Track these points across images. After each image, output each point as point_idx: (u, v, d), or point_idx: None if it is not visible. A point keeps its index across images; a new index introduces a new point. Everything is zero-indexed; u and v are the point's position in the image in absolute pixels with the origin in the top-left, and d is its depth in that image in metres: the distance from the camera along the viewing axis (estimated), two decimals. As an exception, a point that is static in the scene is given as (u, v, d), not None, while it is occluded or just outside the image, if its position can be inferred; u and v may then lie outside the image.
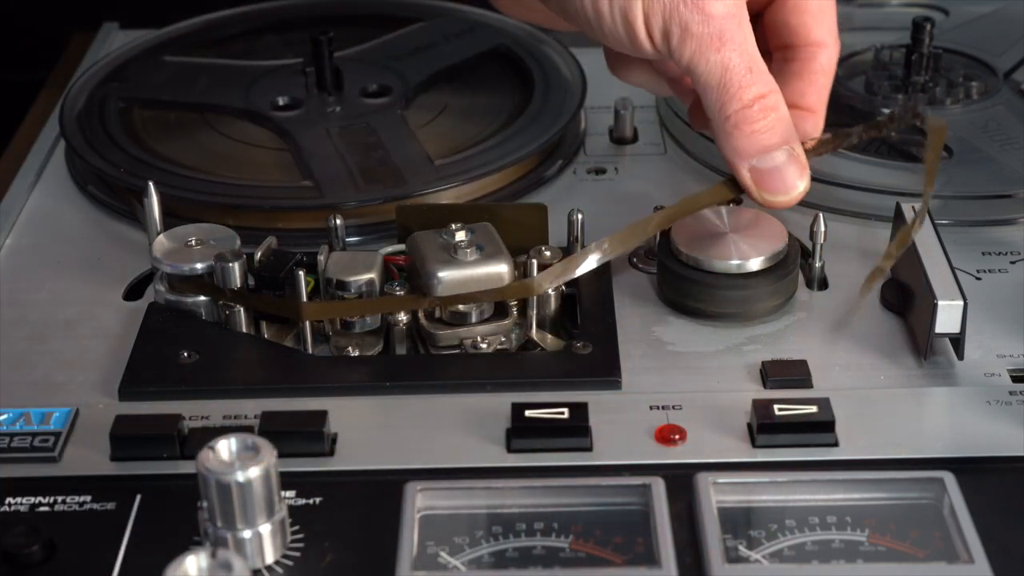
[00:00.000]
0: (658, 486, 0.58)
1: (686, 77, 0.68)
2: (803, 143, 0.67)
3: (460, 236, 0.68)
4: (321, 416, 0.62)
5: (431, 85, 0.89)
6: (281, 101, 0.86)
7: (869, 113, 0.85)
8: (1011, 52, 0.90)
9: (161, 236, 0.70)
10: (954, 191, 0.77)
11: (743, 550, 0.56)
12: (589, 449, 0.61)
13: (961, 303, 0.64)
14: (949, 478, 0.58)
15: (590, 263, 0.67)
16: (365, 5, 0.99)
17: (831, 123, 0.76)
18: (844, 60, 0.91)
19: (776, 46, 0.71)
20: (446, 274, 0.67)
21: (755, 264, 0.68)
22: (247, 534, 0.54)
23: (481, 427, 0.62)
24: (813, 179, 0.77)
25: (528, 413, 0.61)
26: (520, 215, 0.72)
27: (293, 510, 0.58)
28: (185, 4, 1.01)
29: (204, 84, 0.88)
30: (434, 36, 0.94)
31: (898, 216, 0.70)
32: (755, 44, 0.65)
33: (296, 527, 0.57)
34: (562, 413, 0.61)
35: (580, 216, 0.72)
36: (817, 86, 0.70)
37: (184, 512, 0.57)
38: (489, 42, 0.93)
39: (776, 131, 0.66)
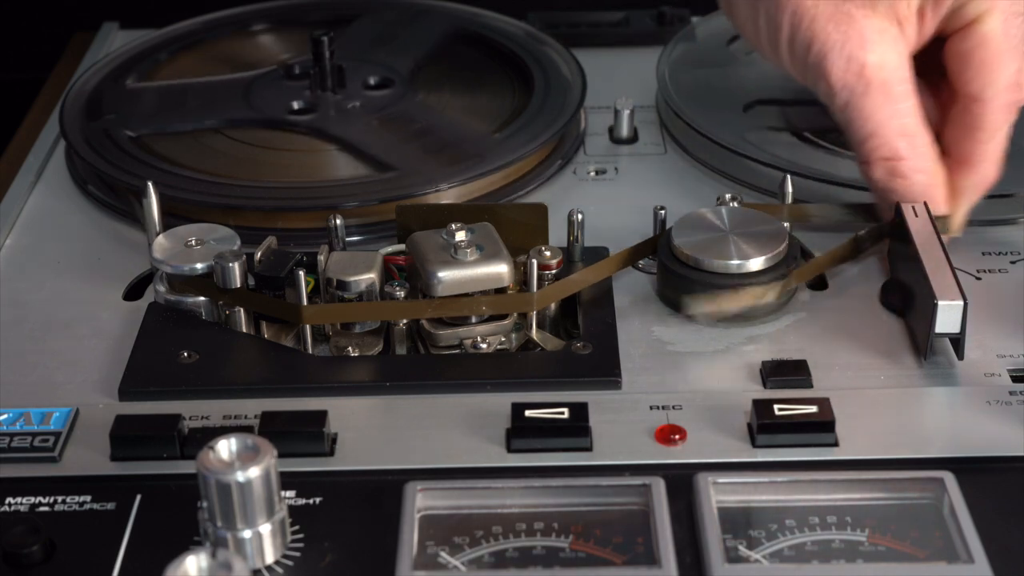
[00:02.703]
0: (658, 486, 0.58)
1: None
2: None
3: (460, 236, 0.68)
4: (321, 416, 0.62)
5: (420, 71, 0.91)
6: (296, 105, 0.86)
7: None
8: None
9: (161, 236, 0.70)
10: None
11: (743, 550, 0.56)
12: (589, 449, 0.61)
13: (961, 303, 0.64)
14: (949, 478, 0.58)
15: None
16: (304, 8, 1.00)
17: (832, 123, 0.77)
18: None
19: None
20: (446, 274, 0.67)
21: (755, 264, 0.68)
22: (247, 534, 0.54)
23: (481, 427, 0.62)
24: (813, 179, 0.77)
25: (528, 413, 0.61)
26: (520, 215, 0.72)
27: (293, 510, 0.58)
28: (185, 4, 1.01)
29: (197, 104, 0.88)
30: (384, 27, 0.95)
31: (899, 215, 0.70)
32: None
33: (296, 527, 0.57)
34: (562, 413, 0.61)
35: (580, 216, 0.72)
36: (973, 140, 0.69)
37: (184, 512, 0.57)
38: (448, 25, 0.95)
39: (904, 194, 0.68)
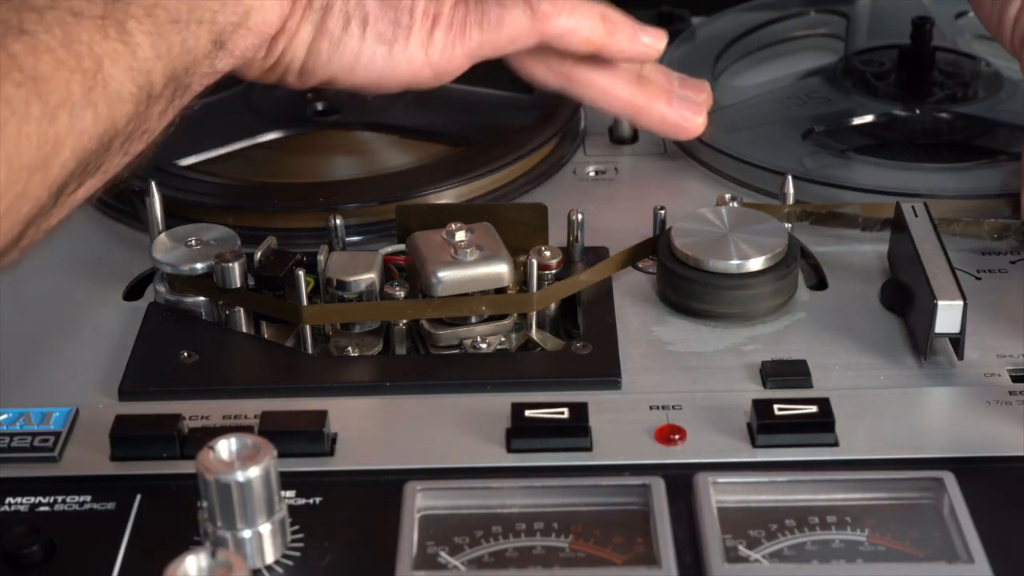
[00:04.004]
0: (658, 486, 0.58)
1: None
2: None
3: (460, 236, 0.68)
4: (321, 416, 0.62)
5: None
6: (320, 107, 0.86)
7: (867, 113, 0.85)
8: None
9: (161, 236, 0.70)
10: (954, 191, 0.76)
11: (743, 550, 0.56)
12: (589, 449, 0.61)
13: (961, 303, 0.64)
14: (949, 478, 0.58)
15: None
16: None
17: (832, 123, 0.77)
18: (844, 60, 0.91)
19: None
20: (446, 274, 0.67)
21: (755, 264, 0.68)
22: (247, 534, 0.54)
23: (481, 427, 0.62)
24: (813, 182, 0.77)
25: (528, 413, 0.61)
26: (520, 215, 0.72)
27: (293, 510, 0.58)
28: None
29: (219, 126, 0.86)
30: None
31: (898, 216, 0.70)
32: None
33: (296, 527, 0.57)
34: (562, 413, 0.61)
35: (580, 216, 0.72)
36: None
37: (184, 512, 0.57)
38: None
39: None
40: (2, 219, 0.53)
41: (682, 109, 0.80)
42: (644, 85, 0.79)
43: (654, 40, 0.77)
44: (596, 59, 0.77)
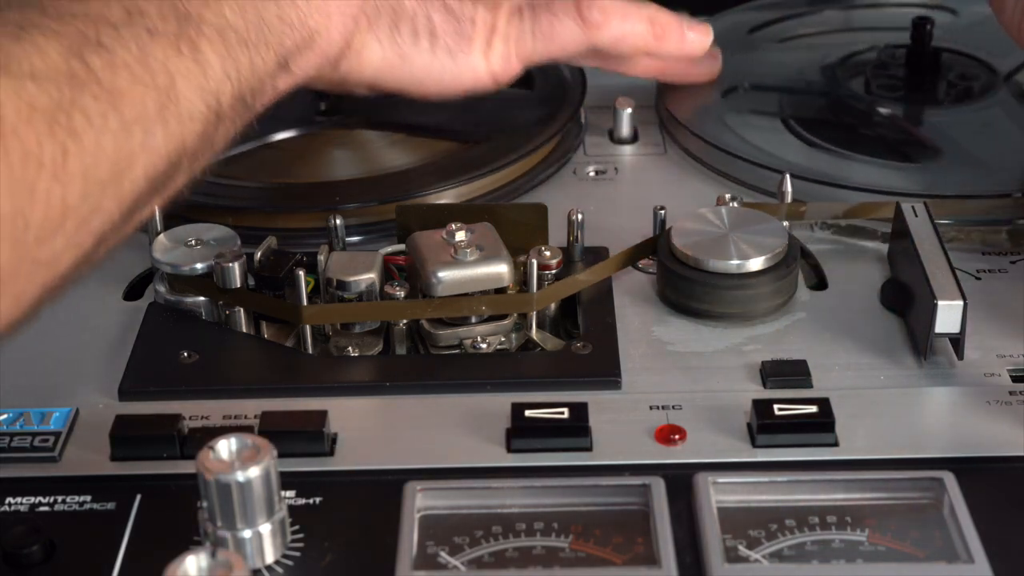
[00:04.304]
0: (658, 486, 0.58)
1: None
2: None
3: (460, 236, 0.68)
4: (321, 416, 0.62)
5: None
6: (323, 106, 0.86)
7: (867, 113, 0.85)
8: (1016, 53, 0.90)
9: (161, 236, 0.70)
10: (954, 191, 0.76)
11: (743, 550, 0.56)
12: (589, 449, 0.61)
13: (961, 303, 0.64)
14: (949, 478, 0.58)
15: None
16: None
17: (831, 123, 0.77)
18: (844, 60, 0.91)
19: None
20: (446, 274, 0.67)
21: (755, 264, 0.68)
22: (247, 534, 0.54)
23: (481, 427, 0.62)
24: (813, 182, 0.77)
25: (528, 413, 0.61)
26: (520, 215, 0.72)
27: (293, 510, 0.58)
28: None
29: None
30: None
31: (898, 217, 0.70)
32: None
33: (296, 527, 0.57)
34: (562, 413, 0.61)
35: (580, 216, 0.72)
36: None
37: (184, 512, 0.57)
38: None
39: None
40: (77, 232, 0.53)
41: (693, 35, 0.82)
42: (694, 26, 0.81)
43: (701, 36, 0.80)
44: None
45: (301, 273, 0.66)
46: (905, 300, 0.68)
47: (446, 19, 0.74)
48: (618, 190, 0.82)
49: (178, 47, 0.58)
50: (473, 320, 0.68)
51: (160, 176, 0.57)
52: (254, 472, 0.53)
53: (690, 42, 0.80)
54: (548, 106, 0.85)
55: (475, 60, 0.75)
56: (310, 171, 0.82)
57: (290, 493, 0.59)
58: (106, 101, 0.54)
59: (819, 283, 0.72)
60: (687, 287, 0.68)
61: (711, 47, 0.83)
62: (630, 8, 0.78)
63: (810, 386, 0.64)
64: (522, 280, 0.69)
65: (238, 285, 0.68)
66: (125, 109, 0.54)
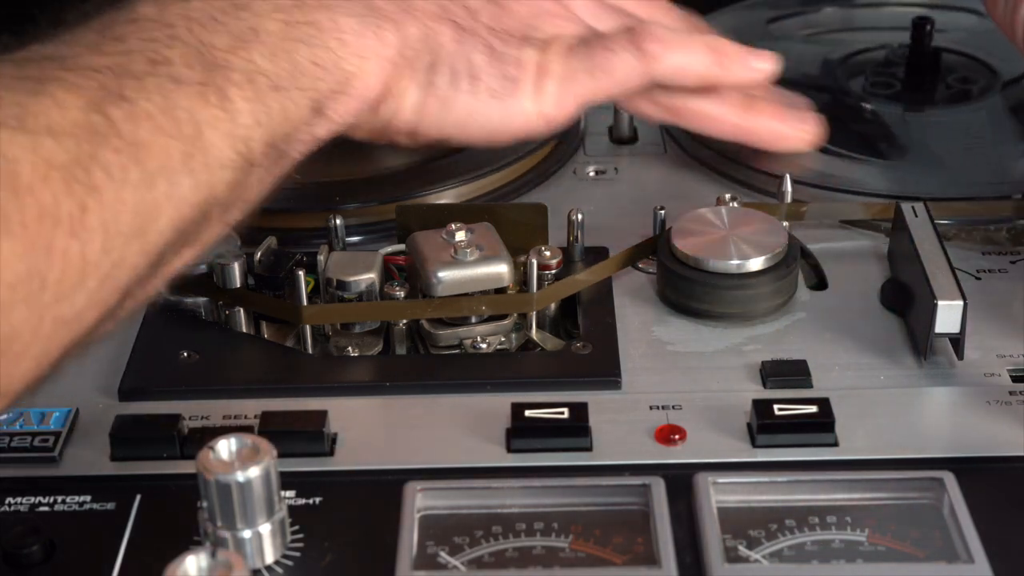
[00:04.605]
0: (658, 486, 0.58)
1: None
2: None
3: (460, 236, 0.68)
4: (321, 416, 0.62)
5: None
6: None
7: (867, 113, 0.85)
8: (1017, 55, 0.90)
9: (161, 236, 0.70)
10: (954, 191, 0.76)
11: (743, 550, 0.56)
12: (589, 449, 0.61)
13: (961, 303, 0.64)
14: (949, 478, 0.58)
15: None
16: None
17: (831, 123, 0.76)
18: (845, 60, 0.91)
19: None
20: (446, 274, 0.67)
21: (755, 264, 0.68)
22: (247, 534, 0.54)
23: (481, 427, 0.62)
24: (812, 184, 0.77)
25: (528, 413, 0.61)
26: (520, 215, 0.72)
27: (293, 510, 0.58)
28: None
29: None
30: None
31: (898, 216, 0.70)
32: None
33: (296, 527, 0.57)
34: (562, 413, 0.61)
35: (580, 216, 0.72)
36: None
37: (184, 512, 0.57)
38: None
39: None
40: (100, 287, 0.52)
41: (795, 122, 0.77)
42: (752, 105, 0.76)
43: (766, 64, 0.75)
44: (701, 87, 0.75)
45: (301, 273, 0.66)
46: (905, 300, 0.68)
47: (489, 61, 0.69)
48: (618, 190, 0.82)
49: (205, 95, 0.56)
50: (473, 320, 0.68)
51: (189, 226, 0.56)
52: (254, 472, 0.53)
53: (755, 70, 0.74)
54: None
55: (525, 104, 0.69)
56: (310, 171, 0.82)
57: (290, 493, 0.59)
58: (127, 153, 0.52)
59: (819, 283, 0.72)
60: (687, 287, 0.68)
61: (801, 102, 0.79)
62: (689, 37, 0.73)
63: (810, 386, 0.64)
64: (522, 280, 0.69)
65: (238, 285, 0.68)
66: (148, 161, 0.53)
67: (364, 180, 0.79)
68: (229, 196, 0.58)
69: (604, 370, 0.65)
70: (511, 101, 0.69)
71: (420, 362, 0.67)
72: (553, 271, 0.69)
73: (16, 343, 0.50)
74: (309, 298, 0.67)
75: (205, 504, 0.54)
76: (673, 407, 0.63)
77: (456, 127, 0.69)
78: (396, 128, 0.68)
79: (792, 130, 0.77)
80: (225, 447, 0.54)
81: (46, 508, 0.59)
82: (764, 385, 0.65)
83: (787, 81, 0.89)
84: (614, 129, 0.87)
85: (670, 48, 0.72)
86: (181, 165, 0.55)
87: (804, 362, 0.66)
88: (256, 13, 0.61)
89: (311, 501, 0.59)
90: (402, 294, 0.68)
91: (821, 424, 0.61)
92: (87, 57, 0.55)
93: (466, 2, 0.70)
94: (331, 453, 0.61)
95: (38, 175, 0.49)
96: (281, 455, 0.55)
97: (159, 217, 0.54)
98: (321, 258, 0.69)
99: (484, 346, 0.67)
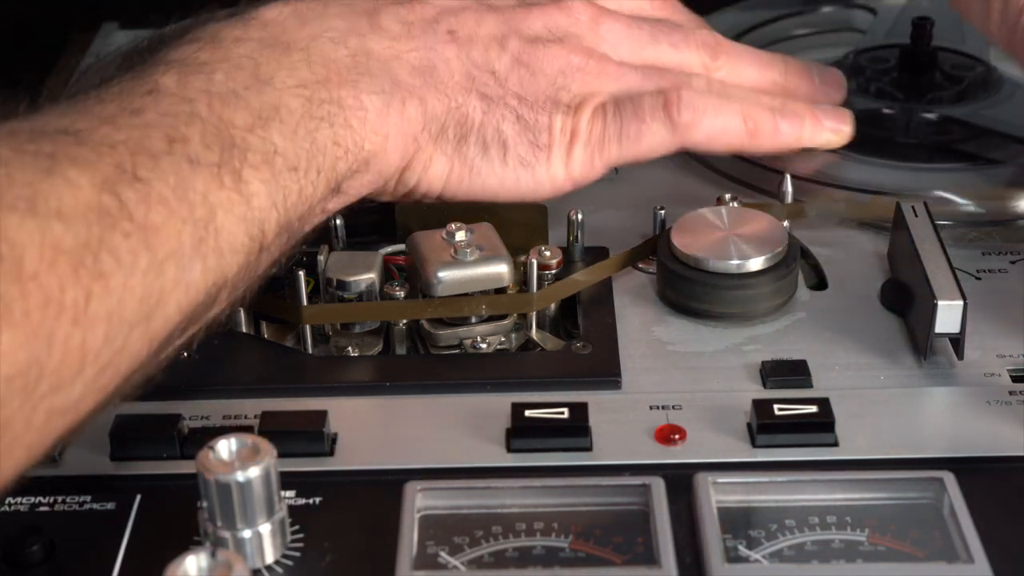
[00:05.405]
0: (658, 486, 0.58)
1: None
2: None
3: (460, 236, 0.68)
4: (321, 416, 0.62)
5: None
6: None
7: (867, 112, 0.85)
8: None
9: (161, 236, 0.70)
10: (954, 191, 0.76)
11: (743, 550, 0.56)
12: (589, 449, 0.61)
13: (961, 303, 0.64)
14: (949, 478, 0.58)
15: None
16: None
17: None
18: (845, 59, 0.91)
19: None
20: (446, 274, 0.67)
21: (755, 264, 0.68)
22: (247, 534, 0.54)
23: (481, 427, 0.62)
24: (812, 181, 0.77)
25: (528, 413, 0.61)
26: (520, 215, 0.72)
27: (293, 510, 0.58)
28: (185, 4, 1.01)
29: None
30: None
31: (898, 216, 0.70)
32: None
33: (296, 527, 0.57)
34: (562, 413, 0.61)
35: (580, 216, 0.72)
36: None
37: (184, 512, 0.57)
38: None
39: None
40: (99, 375, 0.50)
41: (828, 121, 0.76)
42: (788, 115, 0.75)
43: (839, 124, 0.75)
44: None
45: (301, 273, 0.66)
46: (905, 300, 0.68)
47: (518, 130, 0.69)
48: (618, 190, 0.82)
49: (220, 178, 0.55)
50: (473, 320, 0.68)
51: (197, 310, 0.55)
52: (254, 472, 0.53)
53: (783, 136, 0.74)
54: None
55: (555, 169, 0.70)
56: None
57: (290, 493, 0.59)
58: (138, 238, 0.51)
59: (819, 283, 0.72)
60: (687, 287, 0.68)
61: (839, 91, 0.78)
62: (725, 102, 0.72)
63: (810, 386, 0.64)
64: (522, 280, 0.69)
65: (238, 285, 0.68)
66: (158, 246, 0.52)
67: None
68: (238, 279, 0.57)
69: (604, 370, 0.65)
70: (541, 168, 0.70)
71: (420, 362, 0.67)
72: (553, 271, 0.69)
73: (6, 435, 0.47)
74: (309, 298, 0.67)
75: (205, 504, 0.54)
76: (673, 407, 0.63)
77: (486, 193, 0.70)
78: (421, 193, 0.69)
79: (822, 139, 0.76)
80: (225, 447, 0.54)
81: (46, 508, 0.59)
82: (764, 385, 0.65)
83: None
84: (614, 129, 0.87)
85: (703, 116, 0.71)
86: (192, 250, 0.53)
87: (804, 362, 0.66)
88: (279, 88, 0.60)
89: (311, 501, 0.59)
90: (402, 294, 0.68)
91: (821, 424, 0.61)
92: (103, 130, 0.53)
93: (494, 67, 0.69)
94: (331, 453, 0.61)
95: (45, 261, 0.48)
96: (281, 455, 0.55)
97: (167, 304, 0.53)
98: (321, 258, 0.69)
99: (484, 346, 0.67)
